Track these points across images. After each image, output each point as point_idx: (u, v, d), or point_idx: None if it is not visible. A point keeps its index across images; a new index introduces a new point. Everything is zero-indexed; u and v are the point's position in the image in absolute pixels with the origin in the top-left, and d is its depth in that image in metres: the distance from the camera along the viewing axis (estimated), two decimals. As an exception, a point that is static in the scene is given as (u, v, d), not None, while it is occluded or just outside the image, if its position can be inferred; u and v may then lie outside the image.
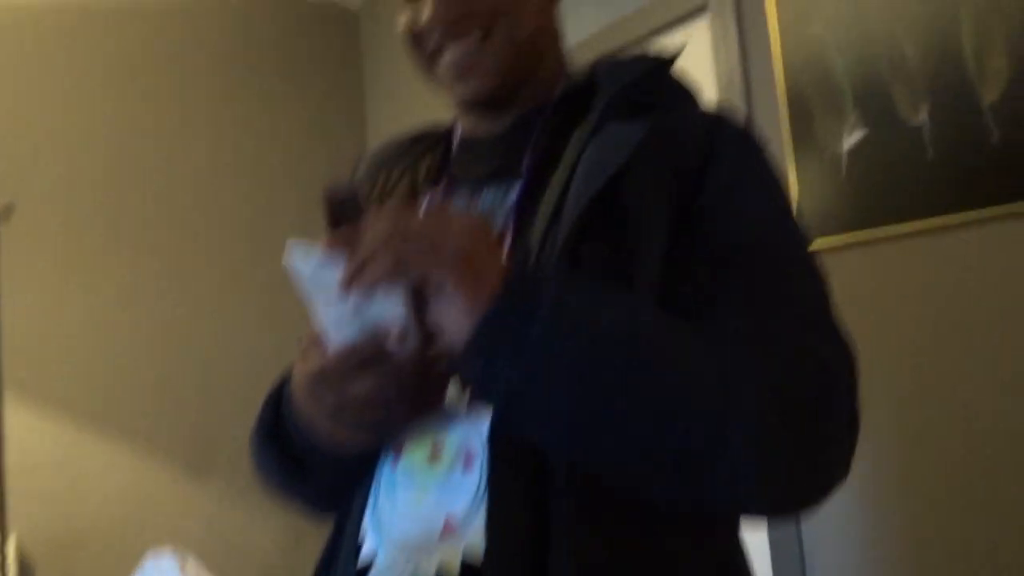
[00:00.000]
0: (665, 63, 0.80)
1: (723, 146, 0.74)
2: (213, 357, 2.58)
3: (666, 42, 2.14)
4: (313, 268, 0.60)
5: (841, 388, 0.64)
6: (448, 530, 0.65)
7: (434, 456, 0.69)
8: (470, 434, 0.68)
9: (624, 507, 0.64)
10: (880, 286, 1.61)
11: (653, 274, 0.69)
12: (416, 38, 0.79)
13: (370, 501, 0.73)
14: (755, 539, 1.80)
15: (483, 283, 0.56)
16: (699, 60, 2.02)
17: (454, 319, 0.57)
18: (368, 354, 0.61)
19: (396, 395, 0.62)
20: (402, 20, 0.80)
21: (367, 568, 0.69)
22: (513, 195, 0.77)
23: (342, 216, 0.87)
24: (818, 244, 1.66)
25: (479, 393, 0.60)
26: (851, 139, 1.61)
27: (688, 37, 2.08)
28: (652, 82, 0.79)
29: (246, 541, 2.47)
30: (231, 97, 2.79)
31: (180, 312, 2.53)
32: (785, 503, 0.64)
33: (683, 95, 0.82)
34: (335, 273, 0.58)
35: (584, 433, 0.58)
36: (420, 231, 0.57)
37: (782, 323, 0.66)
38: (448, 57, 0.78)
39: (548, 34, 0.84)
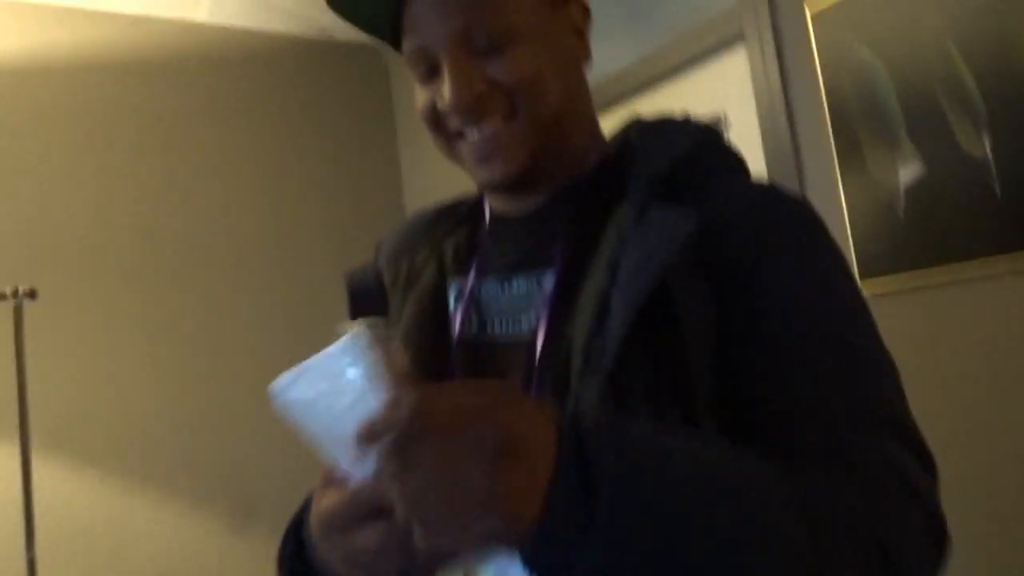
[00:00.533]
0: (709, 135, 0.73)
1: (777, 233, 0.67)
2: (246, 412, 2.55)
3: (699, 94, 2.07)
4: (316, 394, 0.53)
5: (929, 516, 0.59)
6: None
7: None
8: (507, 569, 0.61)
9: None
10: (941, 332, 1.50)
11: (707, 376, 0.63)
12: (435, 119, 0.73)
13: None
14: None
15: (534, 478, 0.47)
16: (738, 91, 1.94)
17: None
18: (376, 504, 0.52)
19: (409, 549, 0.54)
20: (420, 99, 0.74)
21: None
22: (547, 284, 0.71)
23: (364, 304, 0.82)
24: (873, 286, 1.56)
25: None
26: (907, 172, 1.51)
27: (725, 68, 2.00)
28: (693, 161, 0.71)
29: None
30: (260, 148, 2.78)
31: (211, 370, 2.51)
32: None
33: (729, 168, 0.75)
34: (347, 399, 0.51)
35: None
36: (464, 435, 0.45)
37: (862, 438, 0.60)
38: (470, 140, 0.72)
39: (577, 101, 0.76)
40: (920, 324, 1.53)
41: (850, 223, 1.61)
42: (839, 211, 1.63)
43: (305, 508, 0.73)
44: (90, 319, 2.35)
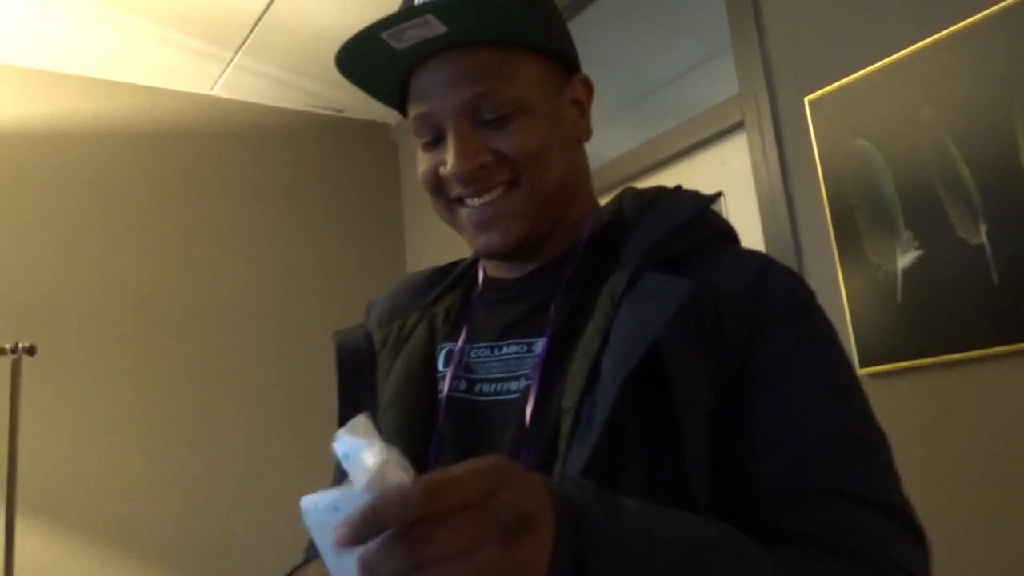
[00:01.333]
0: (702, 205, 0.74)
1: (771, 304, 0.67)
2: (234, 489, 2.51)
3: (697, 172, 2.11)
4: (321, 512, 0.50)
5: None
6: None
7: None
8: None
9: None
10: (938, 415, 1.49)
11: (702, 448, 0.63)
12: (437, 185, 0.74)
13: None
14: None
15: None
16: (738, 176, 1.97)
17: None
18: None
19: None
20: (422, 165, 0.75)
21: None
22: (538, 350, 0.71)
23: (352, 364, 0.81)
24: (872, 370, 1.55)
25: None
26: (905, 259, 1.52)
27: (726, 153, 2.05)
28: (689, 231, 0.72)
29: None
30: (267, 220, 2.81)
31: (202, 443, 2.48)
32: None
33: (721, 236, 0.76)
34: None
35: None
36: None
37: (854, 518, 0.60)
38: (470, 208, 0.73)
39: (576, 176, 0.78)
40: (915, 405, 1.52)
41: (849, 309, 1.61)
42: (838, 296, 1.63)
43: None
44: (87, 381, 2.34)
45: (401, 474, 0.43)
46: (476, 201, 0.72)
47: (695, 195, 0.75)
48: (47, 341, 2.26)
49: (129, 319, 2.47)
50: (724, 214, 1.93)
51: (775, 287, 0.68)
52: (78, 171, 2.48)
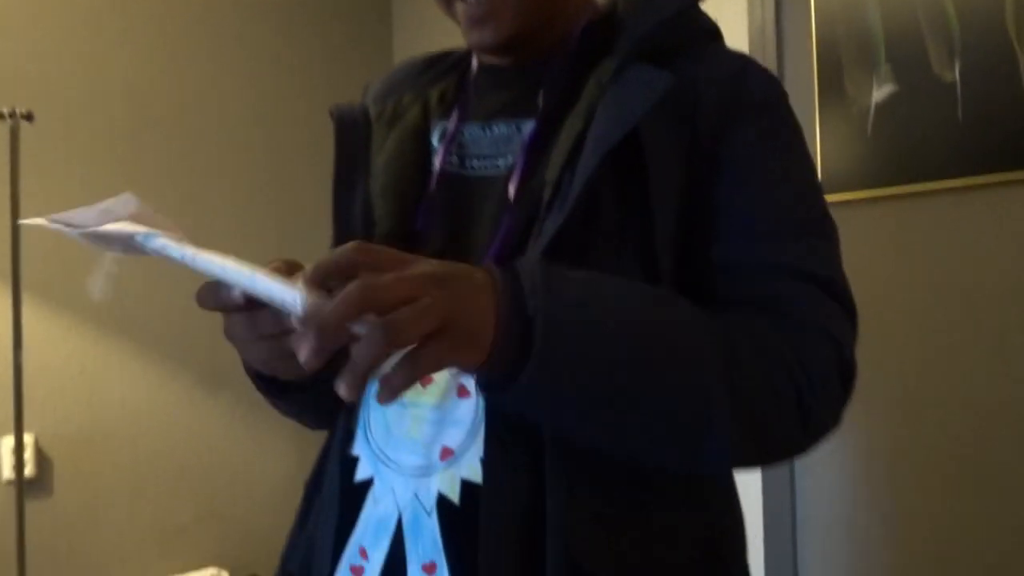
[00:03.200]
0: (690, 3, 0.78)
1: (745, 100, 0.72)
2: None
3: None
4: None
5: (841, 356, 0.67)
6: (446, 457, 0.67)
7: (425, 381, 0.69)
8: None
9: None
10: (897, 243, 1.60)
11: (669, 226, 0.69)
12: None
13: (360, 424, 0.74)
14: (749, 492, 1.84)
15: (479, 337, 0.53)
16: (732, 5, 1.97)
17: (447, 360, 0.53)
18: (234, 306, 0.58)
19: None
20: None
21: (362, 490, 0.71)
22: (526, 131, 0.76)
23: (349, 135, 0.86)
24: (839, 197, 1.64)
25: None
26: (881, 93, 1.57)
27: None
28: (677, 24, 0.77)
29: (257, 453, 2.53)
30: (256, 8, 2.75)
31: (193, 230, 2.54)
32: (773, 460, 0.69)
33: (707, 37, 0.80)
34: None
35: (581, 426, 0.61)
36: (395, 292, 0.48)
37: (792, 288, 0.68)
38: (465, 3, 0.75)
39: None
40: (876, 233, 1.62)
41: (820, 140, 1.67)
42: (812, 128, 1.69)
43: None
44: (79, 164, 2.37)
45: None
46: None
47: None
48: (43, 114, 2.25)
49: (119, 106, 2.46)
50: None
51: (751, 84, 0.73)
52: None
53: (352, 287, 0.47)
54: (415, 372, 0.49)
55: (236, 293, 0.56)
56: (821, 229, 0.73)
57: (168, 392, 2.46)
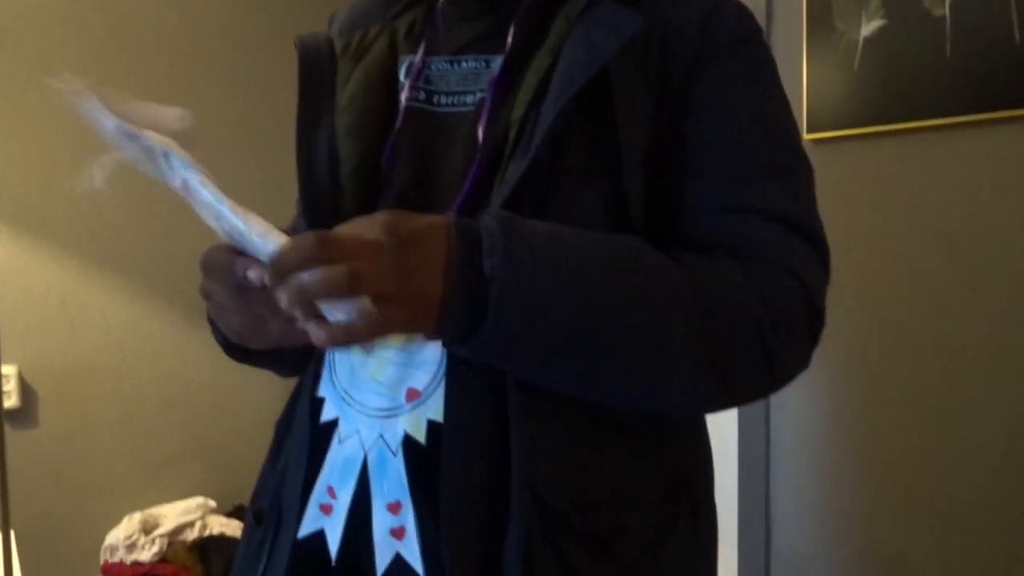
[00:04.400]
0: None
1: (716, 39, 0.71)
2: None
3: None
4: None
5: (809, 298, 0.67)
6: (412, 399, 0.67)
7: None
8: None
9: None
10: (881, 181, 1.59)
11: (638, 170, 0.68)
12: None
13: (326, 365, 0.74)
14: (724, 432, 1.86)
15: (429, 295, 0.55)
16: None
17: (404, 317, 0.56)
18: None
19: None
20: None
21: (328, 430, 0.72)
22: (494, 68, 0.74)
23: (314, 67, 0.84)
24: (824, 135, 1.62)
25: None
26: (870, 27, 1.54)
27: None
28: None
29: (243, 384, 2.55)
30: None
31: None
32: (739, 401, 0.70)
33: None
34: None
35: (543, 377, 0.62)
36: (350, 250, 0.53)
37: (762, 229, 0.67)
38: None
39: None
40: (861, 170, 1.61)
41: (807, 76, 1.65)
42: (799, 62, 1.66)
43: None
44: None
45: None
46: None
47: None
48: (13, 38, 2.18)
49: (95, 28, 2.39)
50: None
51: (722, 23, 0.72)
52: None
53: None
54: (361, 331, 0.52)
55: (253, 274, 0.58)
56: (795, 169, 0.72)
57: (153, 324, 2.46)
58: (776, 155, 0.71)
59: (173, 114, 0.58)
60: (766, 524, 1.80)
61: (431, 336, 0.58)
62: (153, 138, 0.57)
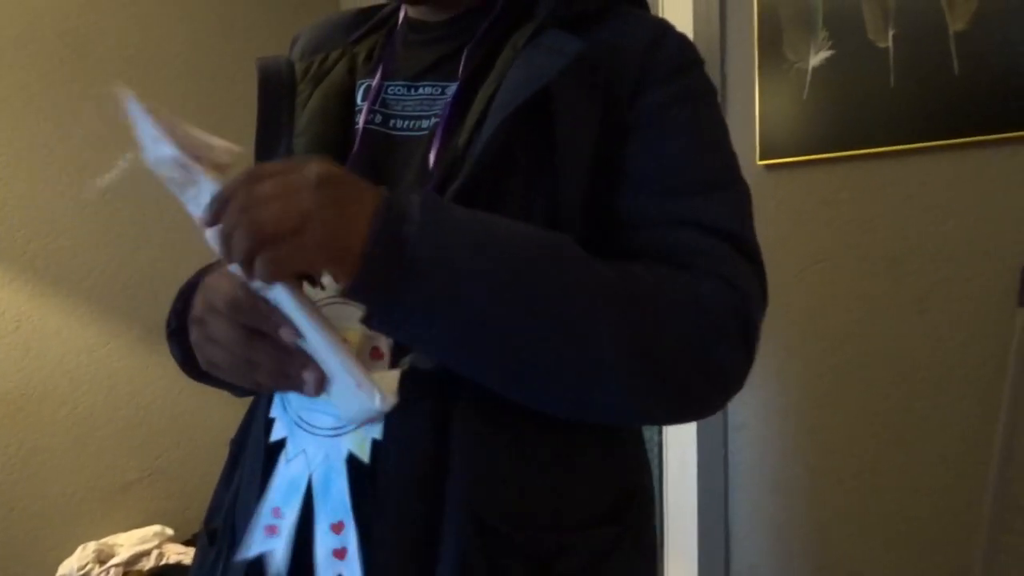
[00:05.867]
0: None
1: (659, 64, 0.73)
2: (166, 229, 2.55)
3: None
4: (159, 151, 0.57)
5: (744, 308, 0.66)
6: None
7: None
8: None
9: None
10: (828, 206, 1.63)
11: (576, 188, 0.70)
12: None
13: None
14: (684, 444, 1.88)
15: (351, 245, 0.55)
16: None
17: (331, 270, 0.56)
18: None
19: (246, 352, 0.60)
20: None
21: (276, 450, 0.72)
22: (449, 94, 0.76)
23: (273, 90, 0.85)
24: (775, 161, 1.67)
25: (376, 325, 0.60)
26: (818, 58, 1.59)
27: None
28: None
29: (201, 410, 2.52)
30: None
31: (130, 184, 2.48)
32: (673, 411, 0.67)
33: (630, 4, 0.80)
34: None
35: (465, 356, 0.61)
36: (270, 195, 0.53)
37: (699, 239, 0.68)
38: None
39: None
40: (807, 194, 1.65)
41: (760, 100, 1.69)
42: (751, 90, 1.71)
43: (201, 274, 0.79)
44: (14, 99, 2.29)
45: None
46: None
47: None
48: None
49: (55, 52, 2.38)
50: (660, 2, 1.94)
51: (665, 50, 0.74)
52: None
53: (231, 189, 0.53)
54: (271, 268, 0.52)
55: (286, 332, 0.57)
56: (730, 187, 0.73)
57: (108, 349, 2.42)
58: (714, 173, 0.72)
59: (223, 147, 0.58)
60: (725, 542, 1.82)
61: (349, 289, 0.56)
62: (204, 174, 0.56)
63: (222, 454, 0.85)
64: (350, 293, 0.56)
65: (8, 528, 2.23)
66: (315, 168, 0.54)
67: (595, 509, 0.70)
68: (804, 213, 1.65)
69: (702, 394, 0.66)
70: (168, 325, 0.76)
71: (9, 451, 2.24)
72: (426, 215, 0.57)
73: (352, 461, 0.66)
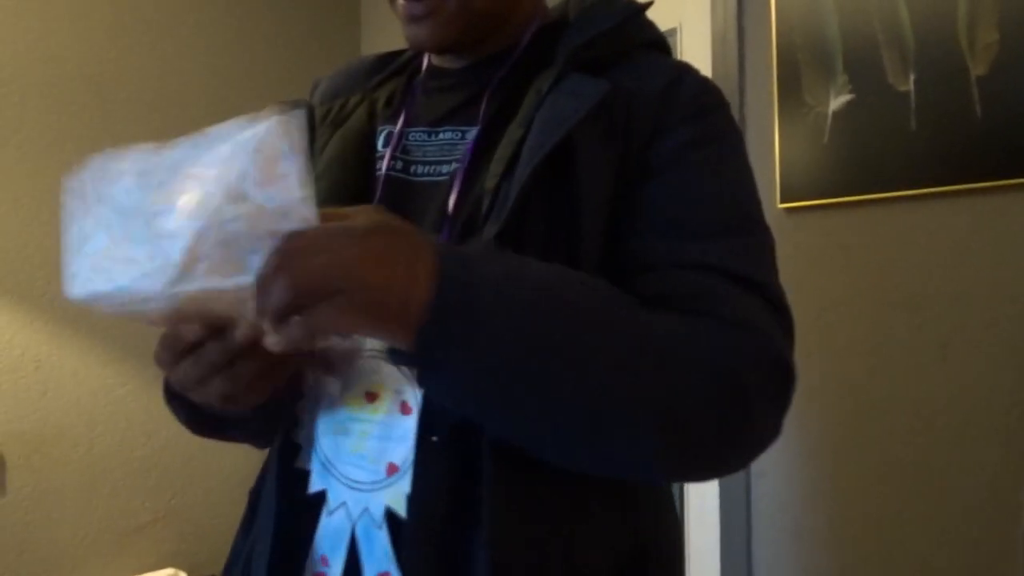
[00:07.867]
0: (634, 12, 0.79)
1: (679, 106, 0.73)
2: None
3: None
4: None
5: (776, 355, 0.64)
6: (392, 473, 0.68)
7: (371, 398, 0.70)
8: (403, 384, 0.69)
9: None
10: (849, 251, 1.62)
11: (598, 236, 0.69)
12: None
13: (307, 439, 0.74)
14: (705, 504, 1.85)
15: (408, 301, 0.53)
16: (695, 9, 1.98)
17: (374, 330, 0.54)
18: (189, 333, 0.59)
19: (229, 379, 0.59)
20: None
21: (315, 501, 0.72)
22: (469, 139, 0.76)
23: None
24: (796, 204, 1.66)
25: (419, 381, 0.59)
26: (837, 102, 1.59)
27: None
28: (616, 35, 0.77)
29: (215, 452, 2.51)
30: (220, 10, 2.71)
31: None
32: (706, 467, 0.66)
33: (650, 45, 0.81)
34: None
35: (504, 416, 0.59)
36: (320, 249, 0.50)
37: (725, 290, 0.66)
38: (405, 1, 0.75)
39: None
40: (827, 239, 1.64)
41: (779, 148, 1.69)
42: (771, 135, 1.71)
43: None
44: (36, 143, 2.33)
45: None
46: None
47: (630, 3, 0.80)
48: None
49: (75, 96, 2.42)
50: (678, 45, 1.95)
51: (685, 92, 0.74)
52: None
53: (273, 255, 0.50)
54: (305, 331, 0.51)
55: (188, 329, 0.58)
56: (753, 232, 0.71)
57: (125, 390, 2.43)
58: (736, 218, 0.71)
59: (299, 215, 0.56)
60: (747, 593, 1.77)
61: (398, 357, 0.55)
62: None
63: (236, 496, 0.84)
64: (398, 358, 0.56)
65: (19, 570, 2.21)
66: (370, 217, 0.53)
67: (608, 563, 0.68)
68: (824, 256, 1.63)
69: (736, 452, 0.65)
70: (166, 386, 0.74)
71: (23, 492, 2.24)
72: (493, 282, 0.55)
73: (390, 514, 0.67)
